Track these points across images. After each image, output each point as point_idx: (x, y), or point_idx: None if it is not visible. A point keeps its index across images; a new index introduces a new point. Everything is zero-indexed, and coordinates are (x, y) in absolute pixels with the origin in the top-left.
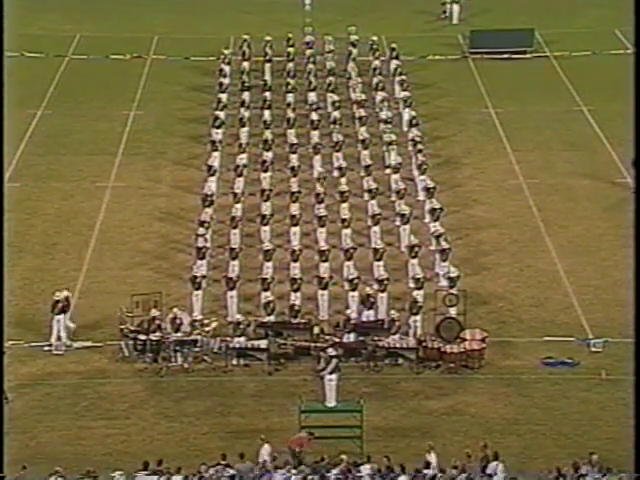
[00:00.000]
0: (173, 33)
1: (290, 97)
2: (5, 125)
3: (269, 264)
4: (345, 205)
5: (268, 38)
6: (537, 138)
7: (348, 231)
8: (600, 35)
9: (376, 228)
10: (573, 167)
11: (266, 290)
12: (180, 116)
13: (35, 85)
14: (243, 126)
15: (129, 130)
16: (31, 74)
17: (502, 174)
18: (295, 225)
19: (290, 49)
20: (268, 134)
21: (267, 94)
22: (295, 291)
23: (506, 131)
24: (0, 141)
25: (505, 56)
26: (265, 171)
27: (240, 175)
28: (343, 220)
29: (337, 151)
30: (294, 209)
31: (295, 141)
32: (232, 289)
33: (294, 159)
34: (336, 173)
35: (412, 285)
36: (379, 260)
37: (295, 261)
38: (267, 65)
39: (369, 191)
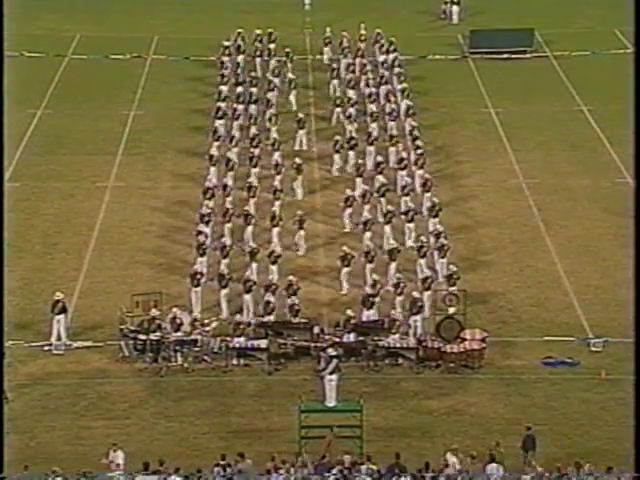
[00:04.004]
0: (173, 33)
1: (271, 95)
2: (5, 125)
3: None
4: (367, 207)
5: (258, 31)
6: (537, 138)
7: (369, 234)
8: (600, 35)
9: (387, 227)
10: (573, 167)
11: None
12: (180, 116)
13: (35, 85)
14: (237, 119)
15: (129, 130)
16: (31, 74)
17: (502, 174)
18: (275, 226)
19: (271, 45)
20: (254, 130)
21: (254, 90)
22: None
23: (506, 131)
24: (0, 141)
25: (505, 56)
26: (254, 166)
27: (231, 169)
28: (365, 223)
29: (351, 148)
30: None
31: (277, 138)
32: (225, 287)
33: (277, 155)
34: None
35: (420, 285)
36: (394, 260)
37: (274, 263)
38: (257, 60)
39: (379, 188)
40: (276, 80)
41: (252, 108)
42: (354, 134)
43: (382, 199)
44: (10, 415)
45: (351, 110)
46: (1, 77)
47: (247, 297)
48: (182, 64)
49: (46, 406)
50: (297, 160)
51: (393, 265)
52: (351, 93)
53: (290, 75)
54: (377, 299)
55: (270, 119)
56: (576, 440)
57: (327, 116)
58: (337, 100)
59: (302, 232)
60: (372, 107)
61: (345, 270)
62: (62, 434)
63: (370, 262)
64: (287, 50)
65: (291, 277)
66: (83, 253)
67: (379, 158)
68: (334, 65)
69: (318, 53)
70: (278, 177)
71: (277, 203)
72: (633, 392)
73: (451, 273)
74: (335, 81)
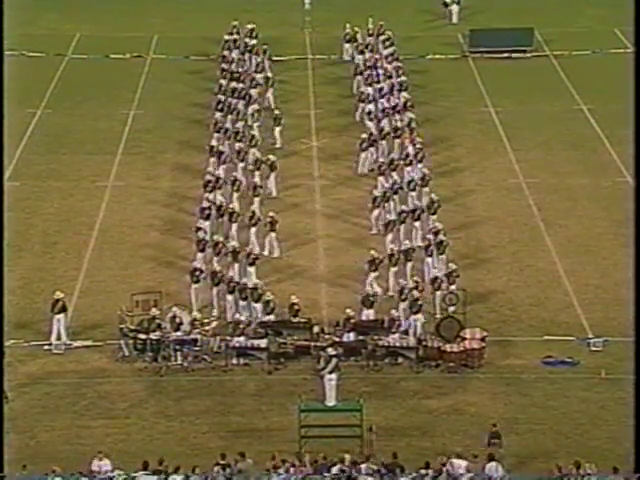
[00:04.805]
0: (173, 32)
1: (253, 91)
2: (5, 124)
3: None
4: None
5: (249, 26)
6: (537, 138)
7: (391, 235)
8: (600, 34)
9: (402, 227)
10: (573, 167)
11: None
12: (180, 112)
13: (35, 84)
14: (231, 113)
15: (129, 129)
16: (31, 73)
17: (502, 173)
18: (255, 225)
19: (253, 41)
20: (240, 125)
21: (241, 85)
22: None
23: (506, 131)
24: (0, 141)
25: (505, 55)
26: (241, 161)
27: (224, 162)
28: (386, 224)
29: (370, 146)
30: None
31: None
32: (217, 285)
33: (254, 151)
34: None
35: (429, 286)
36: (410, 260)
37: (252, 265)
38: (247, 55)
39: (392, 186)
40: (258, 76)
41: (241, 103)
42: (374, 130)
43: (395, 197)
44: (10, 415)
45: (370, 107)
46: (1, 77)
47: (230, 297)
48: (182, 63)
49: (46, 405)
50: (271, 157)
51: (409, 265)
52: (369, 90)
53: (268, 73)
54: (405, 304)
55: (252, 115)
56: (576, 440)
57: (327, 115)
58: (361, 96)
59: (273, 234)
60: (383, 102)
61: (372, 275)
62: (62, 433)
63: (394, 265)
64: (264, 47)
65: (257, 281)
66: (83, 252)
67: (392, 155)
68: (356, 61)
69: (318, 53)
70: (257, 173)
71: (256, 200)
72: (633, 392)
73: (451, 271)
74: (359, 77)
